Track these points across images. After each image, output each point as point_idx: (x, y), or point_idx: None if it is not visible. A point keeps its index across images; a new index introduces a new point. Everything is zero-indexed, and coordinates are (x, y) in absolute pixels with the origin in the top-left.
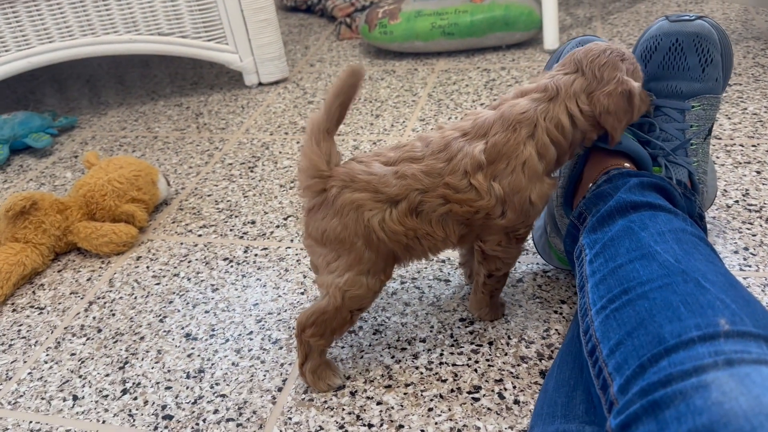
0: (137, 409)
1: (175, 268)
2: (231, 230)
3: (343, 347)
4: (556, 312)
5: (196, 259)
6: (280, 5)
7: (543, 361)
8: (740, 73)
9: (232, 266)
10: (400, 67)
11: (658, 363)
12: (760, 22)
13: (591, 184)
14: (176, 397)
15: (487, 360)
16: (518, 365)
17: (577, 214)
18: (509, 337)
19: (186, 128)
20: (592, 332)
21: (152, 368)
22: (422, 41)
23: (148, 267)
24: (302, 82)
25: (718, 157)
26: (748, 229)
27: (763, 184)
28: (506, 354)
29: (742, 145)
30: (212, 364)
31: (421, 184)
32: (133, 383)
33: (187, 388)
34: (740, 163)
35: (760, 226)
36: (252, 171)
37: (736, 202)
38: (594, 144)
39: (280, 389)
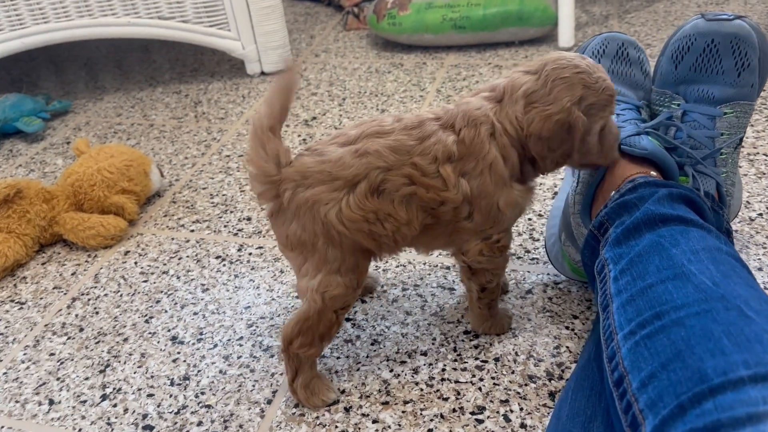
0: (116, 418)
1: (165, 265)
2: (225, 226)
3: (338, 358)
4: (567, 328)
5: (187, 256)
6: None
7: (553, 381)
8: None
9: (224, 265)
10: (409, 60)
11: (702, 405)
12: None
13: (614, 192)
14: (158, 406)
15: (493, 378)
16: (526, 385)
17: (597, 224)
18: (517, 354)
19: (184, 117)
20: (619, 360)
21: (135, 373)
22: (432, 34)
23: (136, 263)
24: (306, 73)
25: (741, 167)
26: None
27: None
28: (513, 372)
29: (765, 155)
30: (198, 371)
31: (385, 161)
32: (114, 388)
33: (171, 396)
34: (764, 174)
35: None
36: None
37: (760, 215)
38: (620, 147)
39: (269, 401)
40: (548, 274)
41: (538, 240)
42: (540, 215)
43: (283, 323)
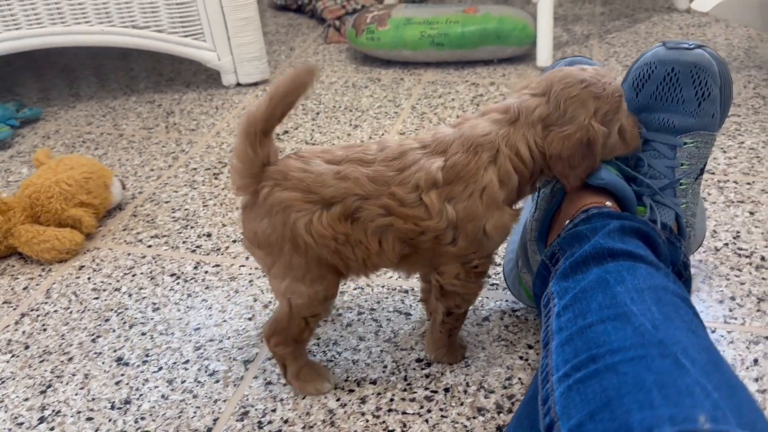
0: None
1: (118, 281)
2: (184, 242)
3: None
4: (521, 358)
5: (142, 273)
6: (271, 3)
7: (502, 414)
8: (739, 103)
9: (178, 283)
10: (386, 75)
11: None
12: (764, 50)
13: (568, 221)
14: (96, 430)
15: (441, 409)
16: (474, 418)
17: (550, 253)
18: (468, 384)
19: (154, 127)
20: (552, 404)
21: (76, 395)
22: (410, 50)
23: (89, 278)
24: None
25: (709, 194)
26: (737, 276)
27: (756, 226)
28: (462, 404)
29: (736, 182)
30: (140, 395)
31: (362, 190)
32: (53, 411)
33: (110, 420)
34: (733, 202)
35: (750, 273)
36: (216, 178)
37: (726, 245)
38: None
39: (209, 430)
40: (507, 300)
41: (499, 264)
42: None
43: (232, 347)
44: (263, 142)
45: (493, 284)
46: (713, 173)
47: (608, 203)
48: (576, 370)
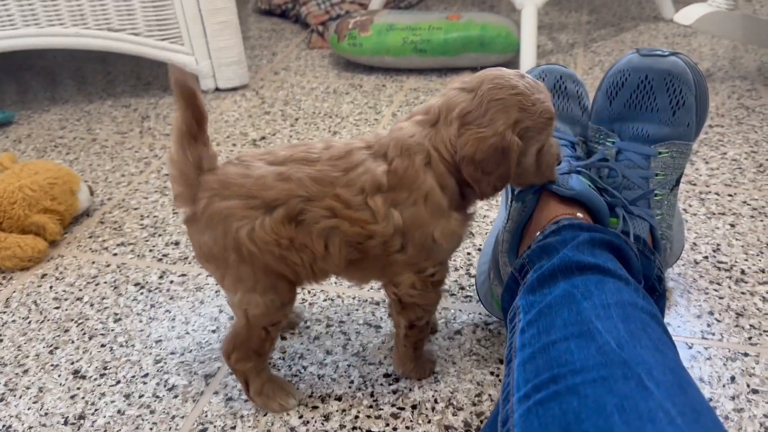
0: None
1: (80, 291)
2: (150, 251)
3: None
4: (492, 373)
5: (105, 282)
6: (254, 8)
7: None
8: (723, 114)
9: (142, 293)
10: (368, 82)
11: None
12: (748, 61)
13: (538, 233)
14: None
15: (407, 428)
16: None
17: (519, 265)
18: (436, 401)
19: (128, 132)
20: (510, 427)
21: (28, 409)
22: (392, 56)
23: (51, 287)
24: (262, 91)
25: (690, 206)
26: (716, 290)
27: (737, 239)
28: (429, 421)
29: (717, 194)
30: (96, 410)
31: (306, 191)
32: (4, 426)
33: None
34: (714, 214)
35: (729, 287)
36: None
37: (706, 258)
38: (546, 185)
39: None
40: (480, 313)
41: (474, 276)
42: (479, 249)
43: (194, 360)
44: (192, 145)
45: (466, 297)
46: (695, 184)
47: (579, 214)
48: (536, 391)
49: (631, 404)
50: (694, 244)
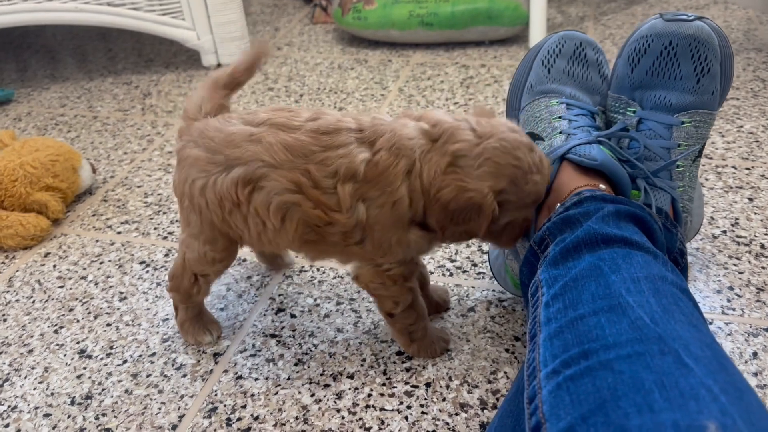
0: None
1: (84, 269)
2: (155, 229)
3: (257, 379)
4: (507, 350)
5: (110, 261)
6: None
7: (486, 411)
8: (738, 86)
9: (147, 271)
10: (374, 57)
11: None
12: (763, 32)
13: (559, 205)
14: (54, 428)
15: (422, 405)
16: (456, 414)
17: (538, 239)
18: (450, 379)
19: (130, 109)
20: (539, 403)
21: (34, 389)
22: (398, 30)
23: (55, 266)
24: (265, 66)
25: (707, 179)
26: (735, 265)
27: (755, 213)
28: (444, 399)
29: (734, 168)
30: (103, 390)
31: (273, 158)
32: (9, 406)
33: (69, 416)
34: (731, 188)
35: (749, 262)
36: None
37: (724, 232)
38: (566, 155)
39: (174, 427)
40: (493, 290)
41: (486, 253)
42: None
43: None
44: (215, 89)
45: (479, 273)
46: (711, 158)
47: (602, 186)
48: (566, 367)
49: (671, 381)
50: (712, 218)
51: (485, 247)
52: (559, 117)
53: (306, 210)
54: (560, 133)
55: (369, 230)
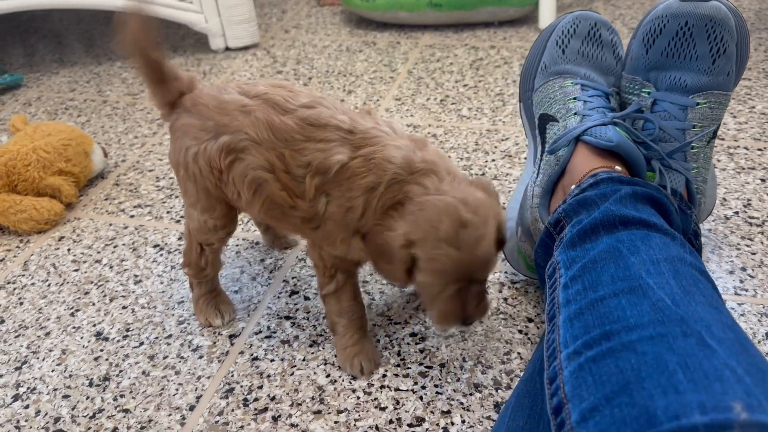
0: (26, 420)
1: (99, 253)
2: (168, 212)
3: (272, 360)
4: (521, 332)
5: (124, 244)
6: None
7: (500, 391)
8: (750, 67)
9: (161, 255)
10: (382, 39)
11: None
12: None
13: (574, 187)
14: (73, 409)
15: (436, 386)
16: (471, 394)
17: (554, 220)
18: (464, 360)
19: (139, 93)
20: (560, 384)
21: (52, 371)
22: (407, 12)
23: (69, 250)
24: (273, 50)
25: (719, 161)
26: (748, 246)
27: None
28: (458, 380)
29: (746, 149)
30: (120, 371)
31: (257, 134)
32: (28, 388)
33: (88, 398)
34: (743, 169)
35: (761, 243)
36: None
37: (736, 213)
38: (581, 136)
39: (192, 408)
40: (505, 272)
41: None
42: (503, 208)
43: None
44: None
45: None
46: (723, 139)
47: (618, 167)
48: (588, 348)
49: (694, 362)
50: (724, 199)
51: None
52: (574, 98)
53: (274, 190)
54: (575, 114)
55: (324, 221)
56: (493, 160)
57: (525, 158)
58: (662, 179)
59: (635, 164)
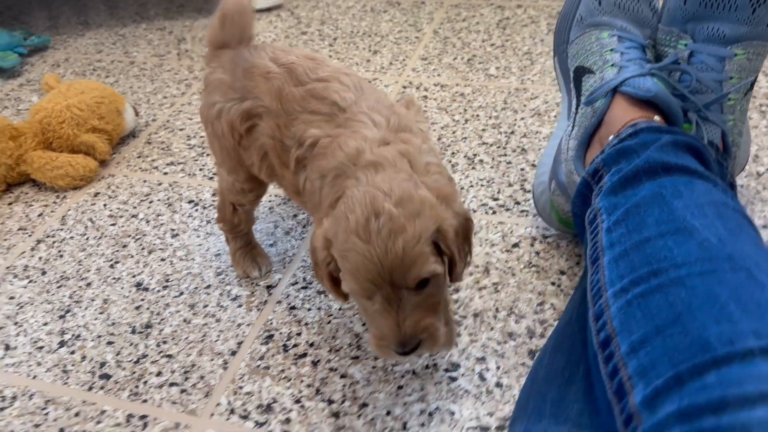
0: (73, 365)
1: (135, 208)
2: (200, 170)
3: (309, 309)
4: (553, 284)
5: (159, 200)
6: None
7: (534, 339)
8: None
9: (196, 210)
10: None
11: (703, 377)
12: None
13: (612, 137)
14: (117, 354)
15: (470, 334)
16: (505, 342)
17: (592, 170)
18: (497, 310)
19: (166, 54)
20: (607, 319)
21: (95, 319)
22: None
23: (105, 205)
24: (297, 11)
25: (751, 118)
26: None
27: None
28: (492, 329)
29: None
30: (162, 320)
31: (269, 102)
32: (73, 335)
33: (131, 344)
34: None
35: None
36: None
37: None
38: (619, 87)
39: (233, 353)
40: (537, 227)
41: (529, 191)
42: (533, 165)
43: None
44: (241, 18)
45: (522, 211)
46: (755, 96)
47: (656, 118)
48: (635, 285)
49: (746, 295)
50: (756, 156)
51: (527, 185)
52: (611, 50)
53: (273, 158)
54: (612, 65)
55: (305, 196)
56: (522, 119)
57: (554, 116)
58: (699, 131)
59: (672, 116)
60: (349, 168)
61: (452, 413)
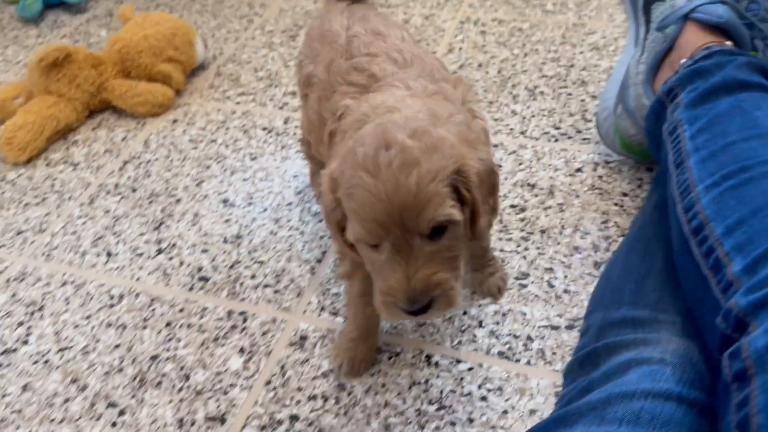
0: (172, 269)
1: (213, 134)
2: (270, 100)
3: None
4: (617, 204)
5: (234, 127)
6: None
7: (598, 252)
8: None
9: (271, 136)
10: None
11: None
12: None
13: (684, 60)
14: (213, 260)
15: (538, 248)
16: (571, 255)
17: (667, 89)
18: (563, 227)
19: None
20: (699, 209)
21: (188, 230)
22: None
23: (184, 131)
24: None
25: None
26: None
27: None
28: (558, 243)
29: None
30: (250, 231)
31: (321, 72)
32: (169, 244)
33: (224, 252)
34: None
35: None
36: (293, 40)
37: None
38: (691, 14)
39: (319, 260)
40: (599, 153)
41: (590, 121)
42: (593, 96)
43: None
44: None
45: (584, 139)
46: None
47: (727, 42)
48: (725, 179)
49: None
50: None
51: (588, 115)
52: None
53: (314, 136)
54: None
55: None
56: (581, 53)
57: (613, 50)
58: (765, 57)
59: (741, 42)
60: (369, 117)
61: (524, 314)
